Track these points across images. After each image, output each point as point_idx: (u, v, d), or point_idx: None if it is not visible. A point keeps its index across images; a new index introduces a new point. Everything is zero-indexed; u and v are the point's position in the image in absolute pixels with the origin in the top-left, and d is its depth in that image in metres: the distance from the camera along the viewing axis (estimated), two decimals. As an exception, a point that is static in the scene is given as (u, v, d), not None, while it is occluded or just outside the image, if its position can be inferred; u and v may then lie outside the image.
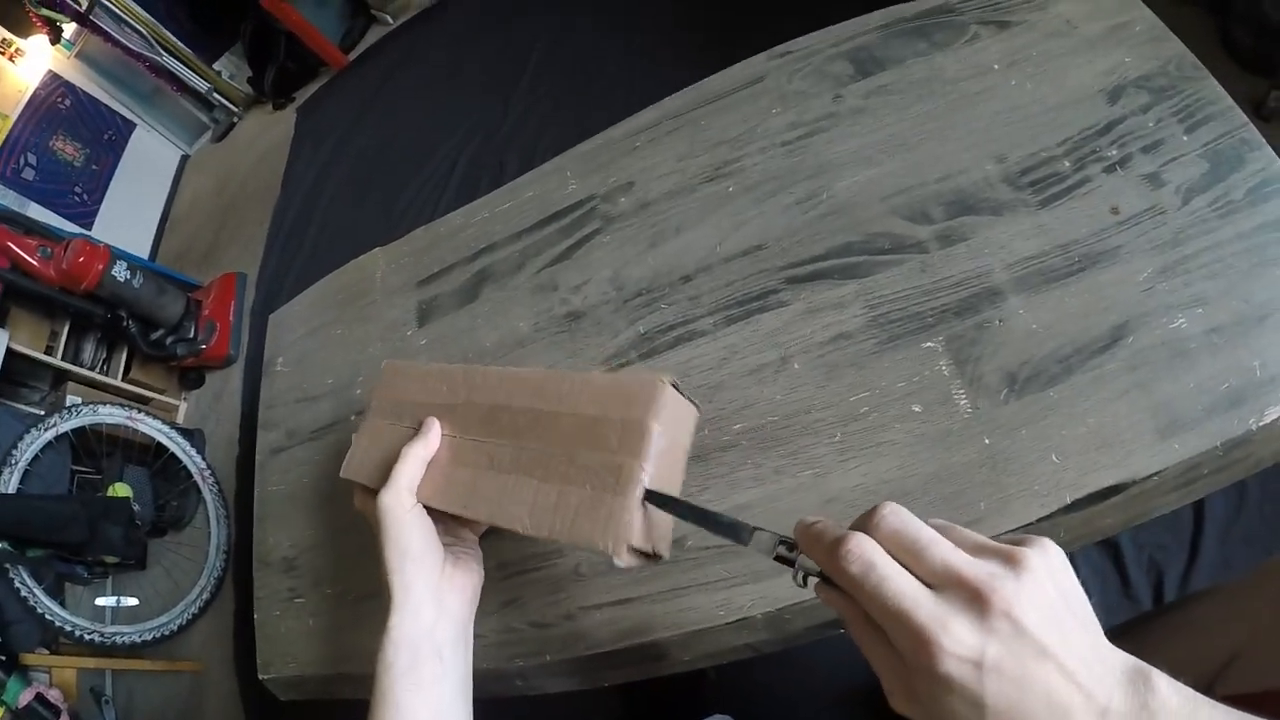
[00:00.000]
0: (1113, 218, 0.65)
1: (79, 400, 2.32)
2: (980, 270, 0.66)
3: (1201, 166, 0.65)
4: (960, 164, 0.72)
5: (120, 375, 2.63)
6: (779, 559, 0.42)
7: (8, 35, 3.23)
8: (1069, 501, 0.57)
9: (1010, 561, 0.34)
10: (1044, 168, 0.69)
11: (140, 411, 2.28)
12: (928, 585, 0.35)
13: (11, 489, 1.89)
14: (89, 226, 3.25)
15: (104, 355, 2.66)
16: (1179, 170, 0.66)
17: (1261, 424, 0.55)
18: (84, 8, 3.21)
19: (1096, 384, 0.59)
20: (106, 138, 3.55)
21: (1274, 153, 0.65)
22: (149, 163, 3.77)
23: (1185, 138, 0.67)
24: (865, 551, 0.36)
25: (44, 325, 2.47)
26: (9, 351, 2.19)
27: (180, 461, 2.29)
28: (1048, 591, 0.34)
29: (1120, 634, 0.79)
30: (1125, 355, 0.60)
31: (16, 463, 1.93)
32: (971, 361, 0.63)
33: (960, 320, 0.65)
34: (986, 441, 0.60)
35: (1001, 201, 0.69)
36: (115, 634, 2.01)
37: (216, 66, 3.88)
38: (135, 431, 2.24)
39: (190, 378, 2.78)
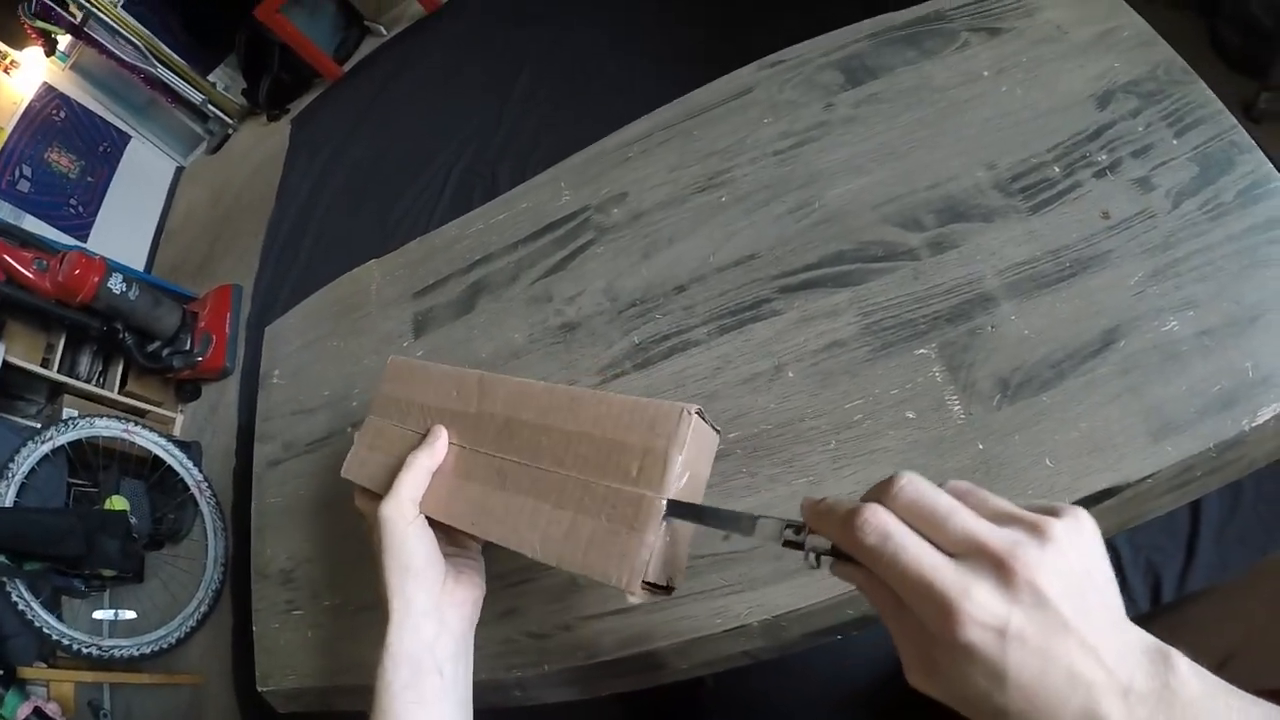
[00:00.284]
0: (1103, 222, 0.65)
1: (75, 413, 2.32)
2: (972, 277, 0.67)
3: (1191, 170, 0.66)
4: (951, 171, 0.72)
5: (116, 388, 2.63)
6: (787, 543, 0.41)
7: (2, 47, 3.24)
8: (1063, 506, 0.57)
9: (1035, 530, 0.33)
10: (1034, 174, 0.69)
11: (137, 424, 2.28)
12: (949, 555, 0.34)
13: (8, 502, 1.89)
14: (84, 239, 3.25)
15: (100, 368, 2.66)
16: (1169, 174, 0.66)
17: (1254, 425, 0.56)
18: (79, 20, 3.23)
19: (1089, 388, 0.60)
20: (101, 150, 3.56)
21: (1263, 155, 0.65)
22: (144, 174, 3.78)
23: (1175, 141, 0.67)
24: (881, 521, 0.35)
25: (40, 338, 2.47)
26: (5, 364, 2.19)
27: (177, 474, 2.29)
28: (1071, 563, 0.33)
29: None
30: (1117, 359, 0.60)
31: (13, 476, 1.92)
32: (964, 368, 0.63)
33: (953, 327, 0.65)
34: (980, 447, 0.60)
35: (992, 208, 0.69)
36: (113, 647, 2.00)
37: (211, 78, 3.90)
38: (132, 444, 2.24)
39: (186, 390, 2.78)
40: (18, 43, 3.28)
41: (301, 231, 3.03)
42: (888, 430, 0.63)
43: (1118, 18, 0.75)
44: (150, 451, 2.27)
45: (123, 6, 3.38)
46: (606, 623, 0.66)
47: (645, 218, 0.84)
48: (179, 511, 2.33)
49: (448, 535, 0.60)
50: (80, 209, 3.33)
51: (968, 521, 0.34)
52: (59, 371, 2.45)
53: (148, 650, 2.05)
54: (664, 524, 0.47)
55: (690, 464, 0.49)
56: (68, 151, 3.38)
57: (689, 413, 0.49)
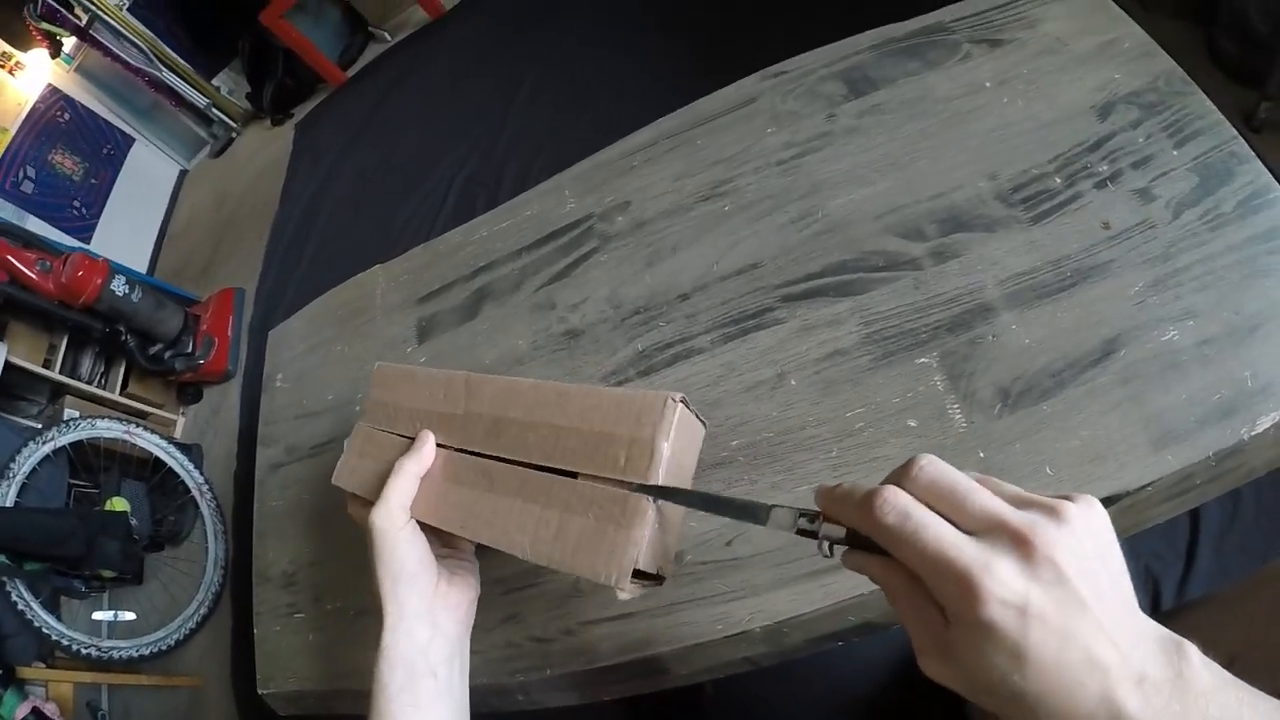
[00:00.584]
0: (1104, 233, 0.66)
1: (77, 414, 2.32)
2: (973, 286, 0.67)
3: (1191, 180, 0.66)
4: (953, 181, 0.73)
5: (118, 389, 2.64)
6: (801, 532, 0.41)
7: (8, 49, 3.25)
8: (1063, 514, 0.57)
9: (1052, 512, 0.34)
10: (1035, 184, 0.70)
11: (138, 426, 2.28)
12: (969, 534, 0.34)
13: (9, 502, 1.89)
14: (88, 240, 3.26)
15: (102, 369, 2.66)
16: (1169, 185, 0.66)
17: (1253, 434, 0.56)
18: (84, 23, 3.24)
19: (1089, 397, 0.60)
20: (105, 152, 3.57)
21: (1263, 165, 0.65)
22: (147, 177, 3.79)
23: (1175, 152, 0.68)
24: (900, 501, 0.35)
25: (42, 339, 2.48)
26: (7, 364, 2.19)
27: (178, 476, 2.29)
28: (1086, 546, 0.33)
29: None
30: (1117, 368, 0.60)
31: (14, 476, 1.93)
32: (965, 377, 0.64)
33: (954, 336, 0.66)
34: (981, 455, 0.61)
35: (994, 218, 0.70)
36: (112, 648, 2.01)
37: (215, 82, 3.91)
38: (133, 446, 2.25)
39: (188, 392, 2.78)
40: (23, 44, 3.29)
41: (305, 236, 3.04)
42: (889, 439, 0.64)
43: (1118, 29, 0.76)
44: (151, 453, 2.28)
45: (128, 10, 3.39)
46: (608, 628, 0.66)
47: (649, 226, 0.84)
48: (179, 514, 2.34)
49: (440, 537, 0.60)
50: (84, 211, 3.34)
51: (986, 500, 0.35)
52: (61, 372, 2.45)
53: (147, 652, 2.05)
54: (653, 511, 0.48)
55: (677, 453, 0.50)
56: (72, 153, 3.39)
57: (674, 401, 0.49)
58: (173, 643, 2.10)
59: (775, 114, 0.85)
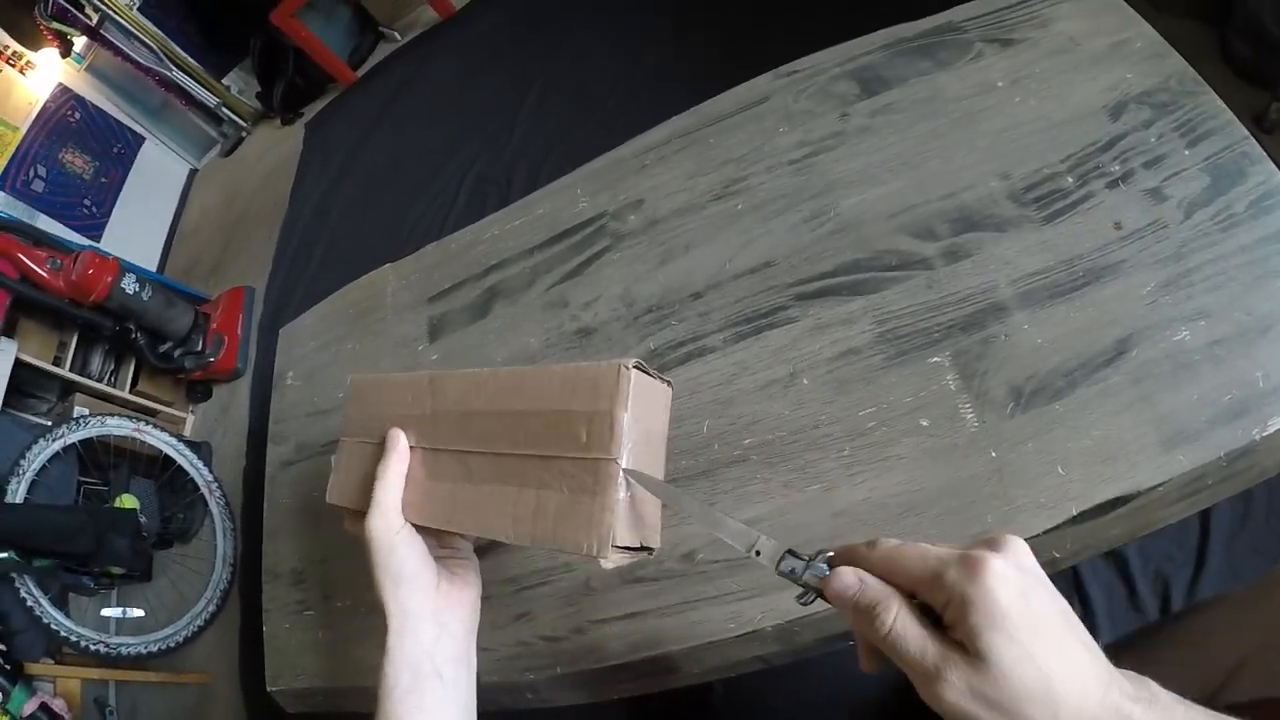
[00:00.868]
0: (1116, 233, 0.66)
1: (86, 411, 2.33)
2: (985, 286, 0.67)
3: (1203, 181, 0.66)
4: (965, 181, 0.73)
5: (128, 387, 2.64)
6: (781, 574, 0.43)
7: (18, 48, 3.26)
8: (1075, 513, 0.57)
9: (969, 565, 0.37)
10: (1048, 184, 0.70)
11: (147, 423, 2.29)
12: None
13: (19, 499, 1.90)
14: (98, 239, 3.27)
15: (112, 367, 2.67)
16: (1181, 185, 0.66)
17: (1265, 434, 0.56)
18: (94, 22, 3.25)
19: (1101, 397, 0.60)
20: (116, 151, 3.58)
21: (1274, 166, 0.65)
22: (158, 176, 3.80)
23: (1187, 152, 0.68)
24: (886, 620, 0.39)
25: (52, 336, 2.49)
26: (18, 362, 2.20)
27: (187, 474, 2.30)
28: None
29: (1127, 645, 0.79)
30: (1129, 368, 0.60)
31: (24, 473, 1.93)
32: (978, 376, 0.64)
33: (966, 335, 0.66)
34: (993, 455, 0.61)
35: (1006, 218, 0.70)
36: (120, 645, 2.01)
37: (225, 81, 3.92)
38: (142, 443, 2.25)
39: (198, 390, 2.79)
40: (34, 44, 3.30)
41: (315, 235, 3.04)
42: (901, 438, 0.64)
43: (1130, 29, 0.76)
44: (161, 451, 2.28)
45: (138, 9, 3.40)
46: (619, 626, 0.66)
47: (662, 224, 0.84)
48: (188, 511, 2.34)
49: (437, 538, 0.60)
50: (94, 209, 3.35)
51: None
52: (71, 370, 2.46)
53: (155, 648, 2.06)
54: (624, 482, 0.47)
55: (641, 419, 0.49)
56: (82, 152, 3.40)
57: (627, 368, 0.48)
58: (181, 639, 2.10)
59: (788, 113, 0.85)
